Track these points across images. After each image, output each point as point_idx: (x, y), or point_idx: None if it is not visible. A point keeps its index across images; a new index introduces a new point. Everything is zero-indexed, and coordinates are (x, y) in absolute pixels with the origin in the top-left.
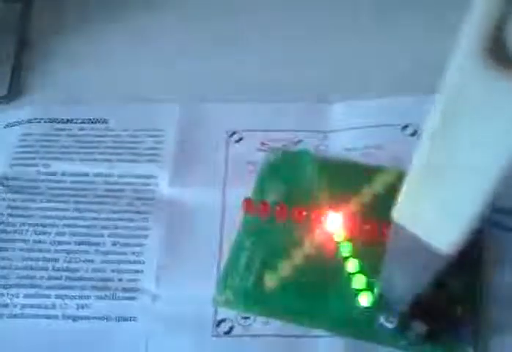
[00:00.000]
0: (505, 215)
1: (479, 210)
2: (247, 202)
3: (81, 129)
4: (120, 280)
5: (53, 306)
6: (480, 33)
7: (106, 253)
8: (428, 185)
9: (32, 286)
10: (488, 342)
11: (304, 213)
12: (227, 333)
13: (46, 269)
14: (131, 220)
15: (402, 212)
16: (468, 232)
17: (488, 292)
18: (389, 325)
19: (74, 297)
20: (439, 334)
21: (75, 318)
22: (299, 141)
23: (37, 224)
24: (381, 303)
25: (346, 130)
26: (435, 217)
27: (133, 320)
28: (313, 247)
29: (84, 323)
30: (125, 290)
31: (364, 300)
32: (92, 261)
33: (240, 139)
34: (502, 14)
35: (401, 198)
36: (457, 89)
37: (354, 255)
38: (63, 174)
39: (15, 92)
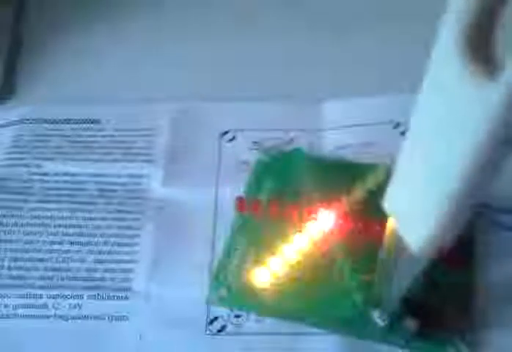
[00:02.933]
0: (495, 212)
1: (449, 211)
2: (240, 200)
3: (74, 129)
4: (113, 280)
5: (46, 306)
6: (461, 28)
7: (99, 253)
8: (404, 178)
9: (24, 286)
10: (480, 338)
11: (297, 212)
12: (220, 331)
13: (38, 269)
14: (124, 220)
15: (388, 203)
16: (440, 233)
17: (480, 289)
18: (382, 323)
19: (66, 297)
20: (431, 330)
21: (67, 318)
22: (291, 140)
23: (29, 224)
24: (373, 301)
25: (338, 129)
26: (408, 213)
27: (126, 320)
28: (306, 245)
29: (77, 323)
30: (117, 289)
31: (357, 298)
32: (84, 261)
33: (233, 138)
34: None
35: (388, 189)
36: (435, 83)
37: (347, 253)
38: (55, 174)
39: (7, 92)
